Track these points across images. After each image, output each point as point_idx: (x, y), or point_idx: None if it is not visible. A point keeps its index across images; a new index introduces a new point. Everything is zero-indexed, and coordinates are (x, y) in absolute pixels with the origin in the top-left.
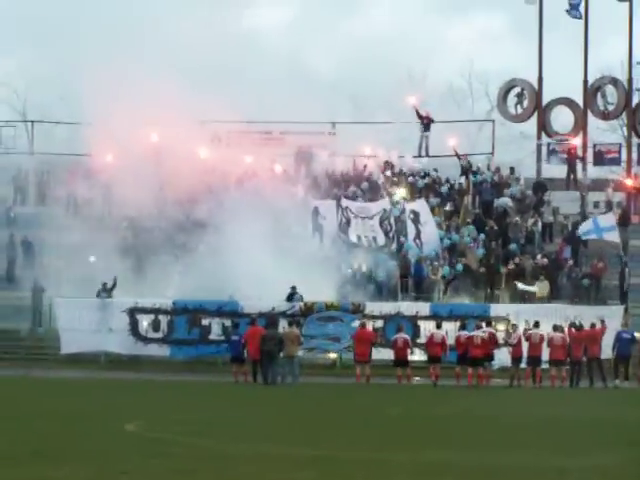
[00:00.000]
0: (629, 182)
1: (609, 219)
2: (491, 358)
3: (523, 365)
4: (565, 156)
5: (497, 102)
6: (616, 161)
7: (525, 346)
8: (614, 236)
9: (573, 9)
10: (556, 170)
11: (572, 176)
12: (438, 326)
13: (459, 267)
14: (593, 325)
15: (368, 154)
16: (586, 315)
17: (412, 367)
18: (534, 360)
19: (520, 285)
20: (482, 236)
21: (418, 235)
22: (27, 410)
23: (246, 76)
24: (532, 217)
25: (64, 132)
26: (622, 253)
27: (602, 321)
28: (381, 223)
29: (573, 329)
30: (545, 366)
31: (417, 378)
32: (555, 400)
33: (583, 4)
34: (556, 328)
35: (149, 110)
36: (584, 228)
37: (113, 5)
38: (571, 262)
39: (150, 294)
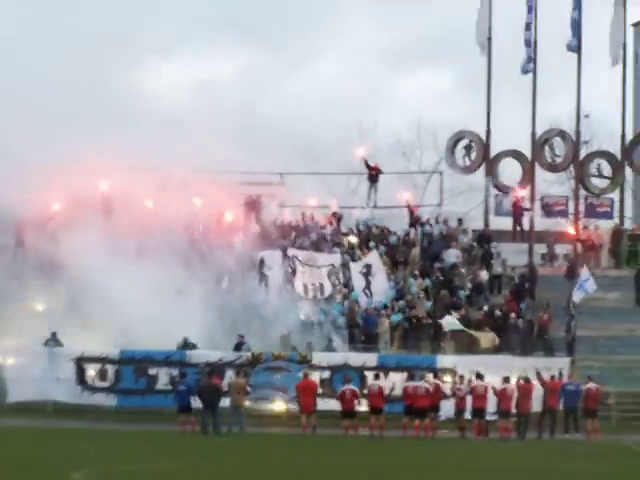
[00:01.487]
0: (571, 231)
1: (585, 275)
2: (437, 409)
3: (468, 416)
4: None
5: (445, 154)
6: (564, 213)
7: (469, 398)
8: (593, 285)
9: (525, 64)
10: (504, 222)
11: (518, 228)
12: (376, 377)
13: (398, 317)
14: (553, 377)
15: (317, 205)
16: (533, 367)
17: (359, 418)
18: (479, 412)
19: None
20: (429, 287)
21: (368, 286)
22: None
23: (195, 125)
24: (480, 268)
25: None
26: (570, 305)
27: (559, 374)
28: (329, 276)
29: (522, 381)
30: (492, 417)
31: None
32: (504, 452)
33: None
34: (505, 380)
35: (99, 158)
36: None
37: (68, 48)
38: (513, 315)
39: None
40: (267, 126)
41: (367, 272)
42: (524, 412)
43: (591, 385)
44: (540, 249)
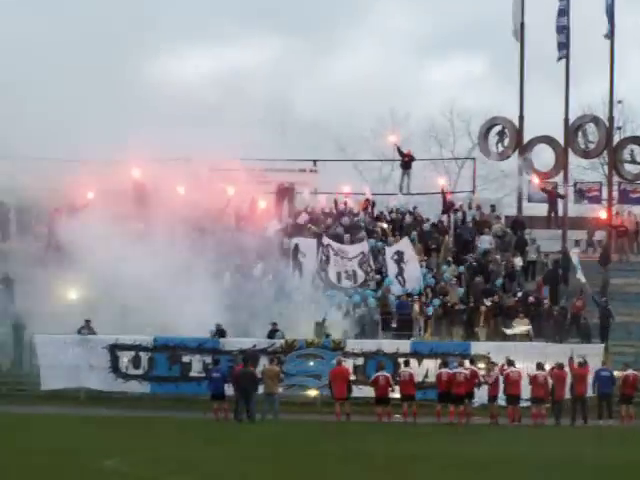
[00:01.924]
0: (603, 216)
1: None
2: (472, 396)
3: (502, 403)
4: (545, 195)
5: (478, 140)
6: (597, 199)
7: (501, 384)
8: (580, 275)
9: (559, 50)
10: (537, 208)
11: (552, 214)
12: (406, 364)
13: (435, 303)
14: (581, 364)
15: (350, 192)
16: (567, 353)
17: (393, 405)
18: (513, 398)
19: (508, 331)
20: (462, 274)
21: (400, 273)
22: (5, 447)
23: (230, 115)
24: (514, 255)
25: (46, 168)
26: (588, 291)
27: (584, 361)
28: (360, 265)
29: (556, 368)
30: (526, 404)
31: (397, 416)
32: (537, 438)
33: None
34: (540, 366)
35: (133, 147)
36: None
37: (96, 38)
38: (546, 301)
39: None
40: (300, 114)
41: (399, 259)
42: (559, 399)
43: (629, 372)
44: (574, 235)
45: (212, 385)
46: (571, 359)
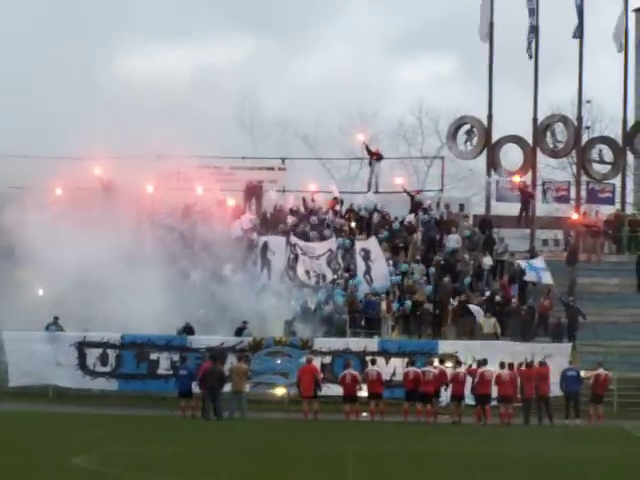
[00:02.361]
0: (575, 216)
1: (540, 261)
2: (439, 394)
3: (470, 402)
4: (516, 193)
5: (447, 139)
6: (565, 199)
7: (469, 384)
8: (548, 277)
9: (528, 49)
10: (504, 207)
11: (524, 213)
12: (373, 362)
13: (407, 303)
14: (542, 363)
15: (318, 190)
16: (534, 352)
17: (361, 403)
18: (483, 398)
19: (471, 306)
20: (431, 273)
21: (368, 271)
22: None
23: (199, 113)
24: (482, 254)
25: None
26: (559, 294)
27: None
28: (328, 263)
29: (524, 367)
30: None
31: (364, 414)
32: (504, 438)
33: (533, 43)
34: (503, 365)
35: (102, 144)
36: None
37: (67, 34)
38: (514, 300)
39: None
40: (269, 112)
41: (366, 257)
42: (527, 398)
43: (601, 371)
44: (542, 235)
45: (179, 383)
46: (520, 363)
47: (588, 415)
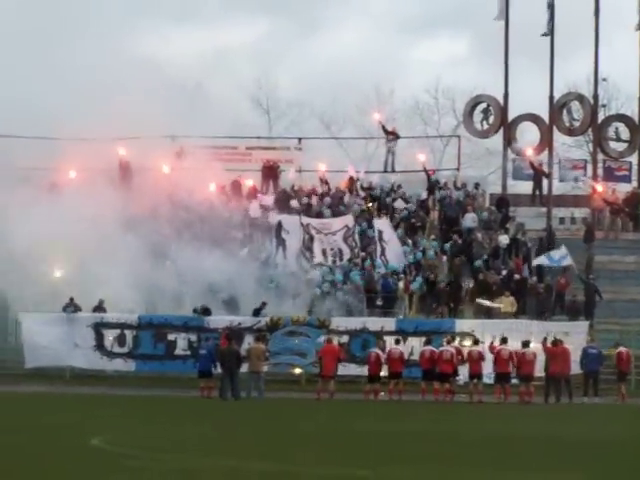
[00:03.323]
0: (599, 188)
1: (561, 252)
2: (457, 373)
3: (488, 381)
4: (531, 172)
5: (463, 118)
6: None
7: (490, 363)
8: (568, 261)
9: (545, 26)
10: (522, 186)
11: (538, 192)
12: (397, 342)
13: (419, 280)
14: (560, 341)
15: (334, 170)
16: (551, 331)
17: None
18: (503, 376)
19: (481, 302)
20: (447, 251)
21: (383, 252)
22: None
23: (213, 93)
24: (498, 233)
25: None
26: (577, 272)
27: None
28: (345, 239)
29: (550, 345)
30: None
31: (382, 393)
32: (524, 416)
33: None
34: (525, 344)
35: (116, 125)
36: (540, 261)
37: (81, 15)
38: (534, 278)
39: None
40: (285, 92)
41: (379, 237)
42: (552, 375)
43: (622, 349)
44: (558, 213)
45: (201, 362)
46: (545, 339)
47: (620, 394)
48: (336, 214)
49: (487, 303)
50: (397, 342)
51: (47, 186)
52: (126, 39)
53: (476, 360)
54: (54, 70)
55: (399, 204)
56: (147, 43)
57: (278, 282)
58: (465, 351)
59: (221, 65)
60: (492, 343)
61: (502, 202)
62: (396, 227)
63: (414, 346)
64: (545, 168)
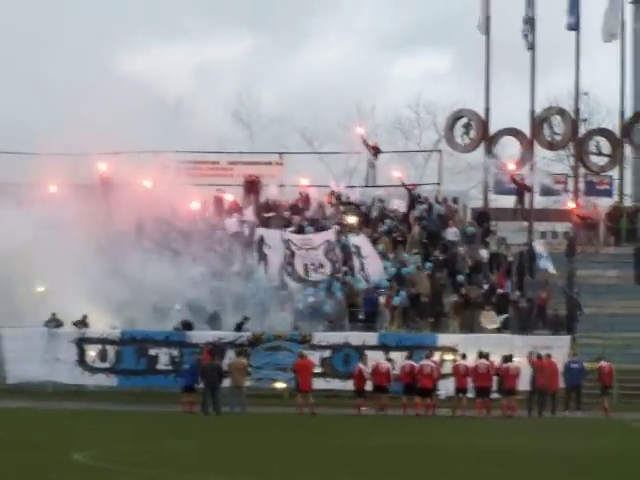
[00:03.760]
0: (571, 205)
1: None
2: (436, 388)
3: (470, 395)
4: (512, 186)
5: (444, 132)
6: (563, 191)
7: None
8: (547, 264)
9: (525, 41)
10: (504, 200)
11: (520, 206)
12: (388, 358)
13: (403, 295)
14: (549, 356)
15: (316, 184)
16: (534, 345)
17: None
18: (483, 391)
19: (488, 326)
20: (428, 266)
21: (362, 267)
22: None
23: (195, 108)
24: (480, 247)
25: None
26: (558, 282)
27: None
28: (326, 254)
29: (536, 358)
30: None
31: (364, 408)
32: (509, 430)
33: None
34: (507, 359)
35: (98, 140)
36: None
37: (64, 31)
38: (517, 293)
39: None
40: (267, 108)
41: (357, 253)
42: (539, 389)
43: (603, 363)
44: (540, 227)
45: (184, 377)
46: (530, 353)
47: (603, 409)
48: (317, 229)
49: (490, 326)
50: (389, 360)
51: (27, 201)
52: (108, 55)
53: (462, 375)
54: (37, 85)
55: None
56: (129, 59)
57: (260, 297)
58: (446, 366)
59: (203, 80)
60: (530, 354)
61: (483, 216)
62: (375, 242)
63: (396, 361)
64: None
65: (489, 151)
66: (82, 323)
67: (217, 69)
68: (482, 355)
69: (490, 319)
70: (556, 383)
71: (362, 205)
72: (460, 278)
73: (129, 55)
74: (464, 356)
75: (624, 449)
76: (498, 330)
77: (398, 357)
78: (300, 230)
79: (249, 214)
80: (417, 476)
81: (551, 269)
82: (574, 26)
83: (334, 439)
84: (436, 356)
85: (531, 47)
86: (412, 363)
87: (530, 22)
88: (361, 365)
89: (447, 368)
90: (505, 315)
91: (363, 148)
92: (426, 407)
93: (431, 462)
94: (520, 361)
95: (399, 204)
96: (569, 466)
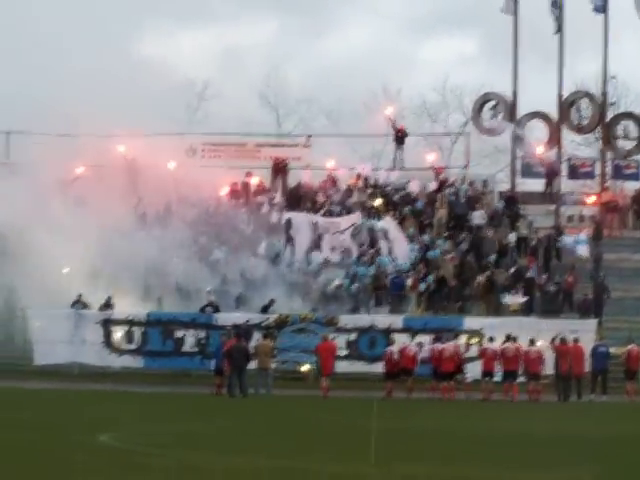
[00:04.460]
0: (591, 200)
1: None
2: (460, 371)
3: (497, 379)
4: (541, 170)
5: (472, 115)
6: (590, 175)
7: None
8: (583, 249)
9: (553, 24)
10: (530, 184)
11: (549, 189)
12: (419, 344)
13: (430, 279)
14: (576, 340)
15: (343, 167)
16: (559, 329)
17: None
18: (510, 374)
19: (506, 300)
20: (456, 249)
21: (389, 250)
22: None
23: (223, 90)
24: (507, 230)
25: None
26: (587, 266)
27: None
28: (353, 237)
29: (558, 343)
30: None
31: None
32: (532, 414)
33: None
34: (531, 342)
35: (124, 122)
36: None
37: (93, 16)
38: (544, 276)
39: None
40: (294, 91)
41: (385, 236)
42: (563, 374)
43: (633, 346)
44: (567, 211)
45: (216, 359)
46: (553, 339)
47: (626, 392)
48: (344, 212)
49: (508, 301)
50: (420, 343)
51: (56, 182)
52: (137, 39)
53: (490, 358)
54: (65, 67)
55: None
56: (157, 43)
57: (286, 279)
58: (472, 349)
59: (230, 63)
60: (553, 340)
61: (511, 200)
62: (401, 224)
63: (424, 343)
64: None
65: (516, 135)
66: (107, 306)
67: (244, 52)
68: (509, 338)
69: (514, 300)
70: (582, 367)
71: (388, 187)
72: (487, 261)
73: (156, 38)
74: (492, 339)
75: None
76: (519, 312)
77: (425, 340)
78: (327, 213)
79: (277, 197)
80: (440, 458)
81: (585, 253)
82: (601, 9)
83: (358, 422)
84: (462, 339)
85: (558, 30)
86: (439, 346)
87: (557, 5)
88: (391, 348)
89: (474, 351)
90: (525, 298)
91: (390, 130)
92: (444, 390)
93: (454, 445)
94: (544, 344)
95: (417, 185)
96: (593, 449)
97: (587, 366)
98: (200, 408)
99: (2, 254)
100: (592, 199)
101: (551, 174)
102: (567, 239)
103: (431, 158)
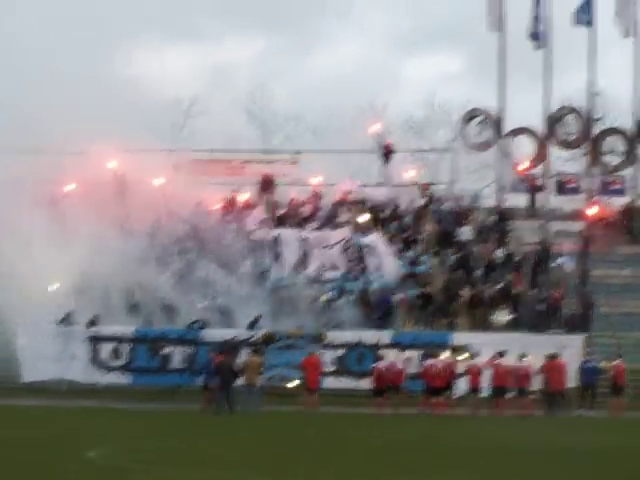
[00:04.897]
0: (591, 211)
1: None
2: (450, 387)
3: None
4: (526, 185)
5: (459, 131)
6: (577, 191)
7: (487, 376)
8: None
9: (535, 39)
10: (516, 199)
11: (532, 205)
12: (432, 355)
13: (414, 293)
14: (554, 356)
15: (329, 183)
16: (548, 344)
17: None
18: (499, 390)
19: (495, 318)
20: (443, 264)
21: (377, 266)
22: None
23: (210, 106)
24: (495, 246)
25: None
26: (573, 281)
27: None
28: (343, 252)
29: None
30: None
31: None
32: (521, 428)
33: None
34: (520, 357)
35: (110, 139)
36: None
37: (79, 33)
38: (534, 291)
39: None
40: (281, 107)
41: (371, 252)
42: (552, 389)
43: (619, 362)
44: (555, 226)
45: (206, 375)
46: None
47: (609, 407)
48: (331, 228)
49: (497, 319)
50: (407, 360)
51: (45, 199)
52: (122, 55)
53: (475, 374)
54: (51, 84)
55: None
56: (144, 59)
57: (274, 295)
58: (460, 365)
59: (217, 80)
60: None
61: (503, 215)
62: (390, 240)
63: (411, 359)
64: (540, 181)
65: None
66: (92, 323)
67: (231, 69)
68: (500, 354)
69: (501, 316)
70: (563, 383)
71: (375, 204)
72: (474, 276)
73: (144, 55)
74: (475, 356)
75: (631, 447)
76: (507, 328)
77: (413, 356)
78: (316, 228)
79: (263, 213)
80: (432, 472)
81: (572, 269)
82: (584, 21)
83: (347, 436)
84: (448, 355)
85: (540, 47)
86: (429, 362)
87: (540, 20)
88: (379, 364)
89: (461, 367)
90: (512, 315)
91: (377, 147)
92: (435, 406)
93: (447, 459)
94: (532, 360)
95: (405, 201)
96: (581, 462)
97: (571, 381)
98: (187, 424)
99: None
100: (593, 210)
101: (534, 190)
102: (561, 259)
103: (412, 174)
